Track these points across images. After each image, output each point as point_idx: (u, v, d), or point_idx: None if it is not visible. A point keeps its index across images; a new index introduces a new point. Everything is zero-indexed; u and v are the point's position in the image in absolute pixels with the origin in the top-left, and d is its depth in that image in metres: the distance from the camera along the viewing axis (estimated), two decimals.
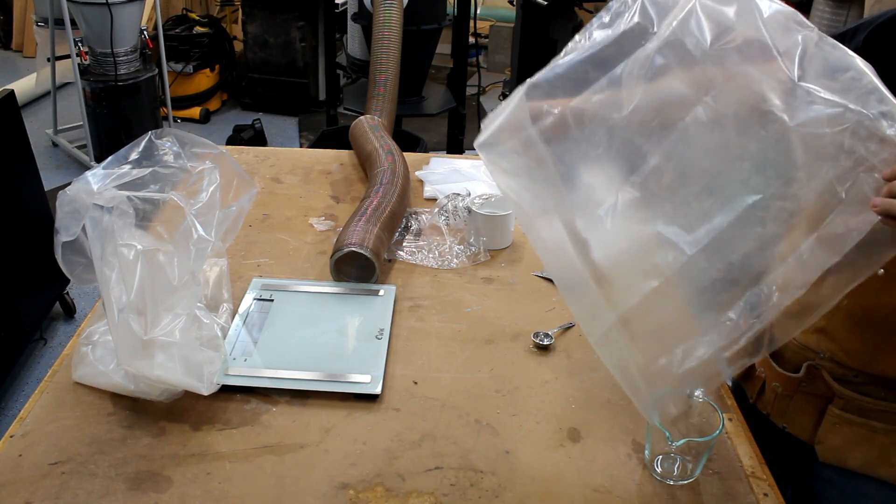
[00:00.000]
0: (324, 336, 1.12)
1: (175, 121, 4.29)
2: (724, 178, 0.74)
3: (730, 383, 1.19)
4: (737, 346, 0.76)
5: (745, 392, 1.15)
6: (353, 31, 2.85)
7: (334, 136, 2.99)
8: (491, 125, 0.81)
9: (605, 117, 0.75)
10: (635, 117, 0.73)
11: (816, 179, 0.70)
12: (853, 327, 0.97)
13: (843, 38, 0.96)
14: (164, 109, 4.01)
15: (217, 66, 4.49)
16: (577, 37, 0.78)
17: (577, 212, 0.79)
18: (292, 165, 1.69)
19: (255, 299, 1.19)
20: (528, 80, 0.79)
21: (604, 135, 0.76)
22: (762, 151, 0.71)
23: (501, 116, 0.79)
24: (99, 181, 0.96)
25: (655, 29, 0.73)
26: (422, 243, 1.38)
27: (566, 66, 0.77)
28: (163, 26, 3.94)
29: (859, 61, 0.69)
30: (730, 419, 1.02)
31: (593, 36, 0.77)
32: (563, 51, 0.78)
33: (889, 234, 0.70)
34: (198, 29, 4.42)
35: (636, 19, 0.74)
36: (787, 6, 0.72)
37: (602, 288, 0.80)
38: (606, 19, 0.76)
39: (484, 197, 1.41)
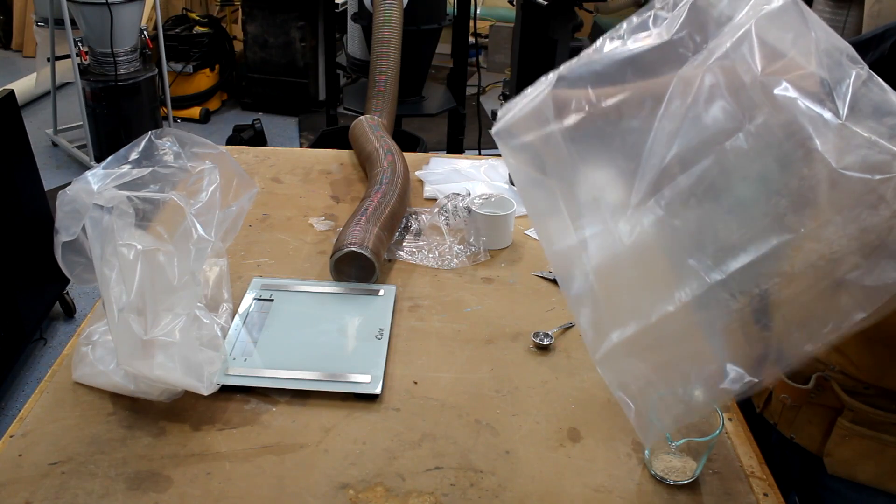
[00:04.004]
0: (324, 336, 1.12)
1: (175, 121, 4.29)
2: (757, 211, 0.71)
3: None
4: (751, 381, 0.74)
5: (751, 401, 1.14)
6: (353, 31, 2.85)
7: (334, 136, 2.99)
8: (510, 112, 0.77)
9: (638, 128, 0.72)
10: (669, 131, 0.71)
11: (853, 226, 0.67)
12: (864, 343, 0.95)
13: (868, 44, 0.93)
14: (164, 109, 4.01)
15: (217, 66, 4.49)
16: (614, 30, 0.74)
17: (589, 218, 0.76)
18: (292, 165, 1.69)
19: (255, 299, 1.19)
20: (558, 71, 0.75)
21: (633, 145, 0.72)
22: (802, 190, 0.68)
23: (525, 106, 0.76)
24: (99, 181, 0.96)
25: (705, 42, 0.70)
26: (422, 243, 1.38)
27: (604, 64, 0.72)
28: (163, 26, 3.94)
29: None
30: (730, 419, 1.02)
31: (635, 35, 0.73)
32: (599, 44, 0.74)
33: None
34: (198, 29, 4.42)
35: (685, 28, 0.70)
36: (842, 40, 0.69)
37: (610, 303, 0.77)
38: (651, 22, 0.72)
39: (484, 197, 1.41)
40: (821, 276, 0.70)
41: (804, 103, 0.67)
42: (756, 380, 0.74)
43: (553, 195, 0.79)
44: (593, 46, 0.75)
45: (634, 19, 0.74)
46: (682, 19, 0.71)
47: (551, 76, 0.76)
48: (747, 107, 0.68)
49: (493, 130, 0.78)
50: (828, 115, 0.66)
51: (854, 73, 0.67)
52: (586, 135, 0.75)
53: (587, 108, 0.74)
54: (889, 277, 0.66)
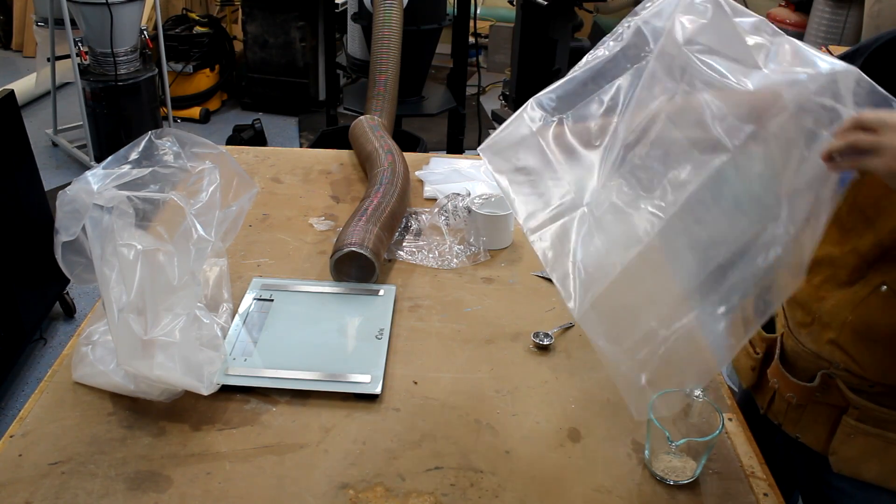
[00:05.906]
0: (324, 336, 1.12)
1: (175, 121, 4.29)
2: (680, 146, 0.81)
3: (725, 373, 1.18)
4: (728, 317, 0.79)
5: (755, 402, 1.14)
6: (353, 31, 2.85)
7: (334, 136, 2.99)
8: (495, 134, 0.91)
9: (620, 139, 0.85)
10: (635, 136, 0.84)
11: (796, 159, 0.77)
12: (861, 342, 0.95)
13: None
14: (164, 109, 4.00)
15: (217, 66, 4.48)
16: (581, 62, 0.90)
17: (567, 206, 0.84)
18: (292, 165, 1.69)
19: (255, 299, 1.19)
20: (532, 99, 0.91)
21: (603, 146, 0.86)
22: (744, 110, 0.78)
23: (506, 129, 0.91)
24: (99, 181, 0.96)
25: (651, 48, 0.84)
26: (422, 243, 1.38)
27: (564, 89, 0.90)
28: (163, 26, 3.94)
29: (819, 60, 0.76)
30: (730, 419, 1.02)
31: (594, 58, 0.89)
32: (568, 76, 0.90)
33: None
34: (198, 29, 4.41)
35: (632, 40, 0.86)
36: (757, 15, 0.82)
37: (589, 267, 0.86)
38: (609, 44, 0.89)
39: (484, 197, 1.41)
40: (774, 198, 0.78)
41: (726, 61, 0.79)
42: (739, 342, 0.81)
43: (535, 190, 0.89)
44: (565, 78, 0.91)
45: (600, 47, 0.90)
46: (631, 34, 0.87)
47: (529, 106, 0.91)
48: (677, 78, 0.81)
49: (480, 148, 0.93)
50: (750, 63, 0.78)
51: (773, 38, 0.79)
52: (575, 147, 0.89)
53: (570, 125, 0.89)
54: (825, 192, 0.76)
